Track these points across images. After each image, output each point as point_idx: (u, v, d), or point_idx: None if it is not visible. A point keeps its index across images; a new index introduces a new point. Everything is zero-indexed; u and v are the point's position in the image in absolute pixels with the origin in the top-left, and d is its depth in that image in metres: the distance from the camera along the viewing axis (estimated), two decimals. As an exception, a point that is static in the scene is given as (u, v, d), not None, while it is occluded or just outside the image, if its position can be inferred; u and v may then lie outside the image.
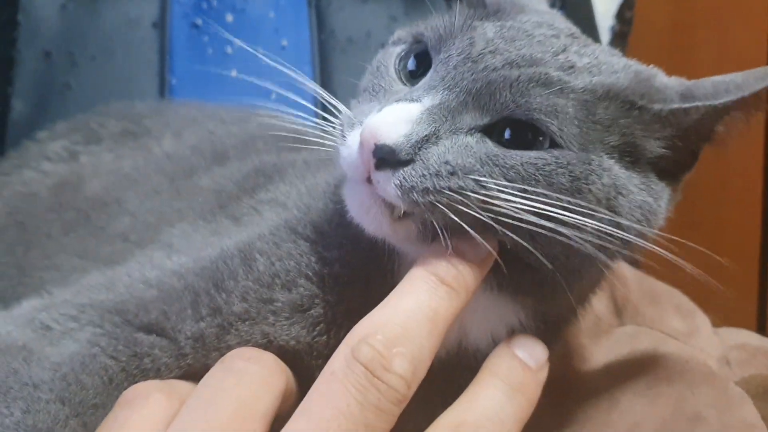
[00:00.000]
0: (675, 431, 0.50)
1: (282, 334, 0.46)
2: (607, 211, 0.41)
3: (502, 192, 0.39)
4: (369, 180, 0.41)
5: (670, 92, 0.43)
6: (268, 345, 0.45)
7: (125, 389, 0.43)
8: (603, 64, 0.43)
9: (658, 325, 0.61)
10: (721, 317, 0.62)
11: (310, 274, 0.47)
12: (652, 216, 0.43)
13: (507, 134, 0.41)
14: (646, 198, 0.43)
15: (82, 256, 0.59)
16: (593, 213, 0.41)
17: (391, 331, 0.38)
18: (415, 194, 0.39)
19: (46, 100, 0.78)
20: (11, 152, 0.73)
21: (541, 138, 0.41)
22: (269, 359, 0.43)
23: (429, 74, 0.44)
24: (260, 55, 0.48)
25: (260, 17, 0.83)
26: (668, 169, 0.44)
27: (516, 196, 0.39)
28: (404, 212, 0.41)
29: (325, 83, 0.82)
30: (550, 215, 0.39)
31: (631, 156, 0.42)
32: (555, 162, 0.40)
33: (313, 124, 0.46)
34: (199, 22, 0.81)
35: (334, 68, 0.83)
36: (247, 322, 0.46)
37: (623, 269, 0.63)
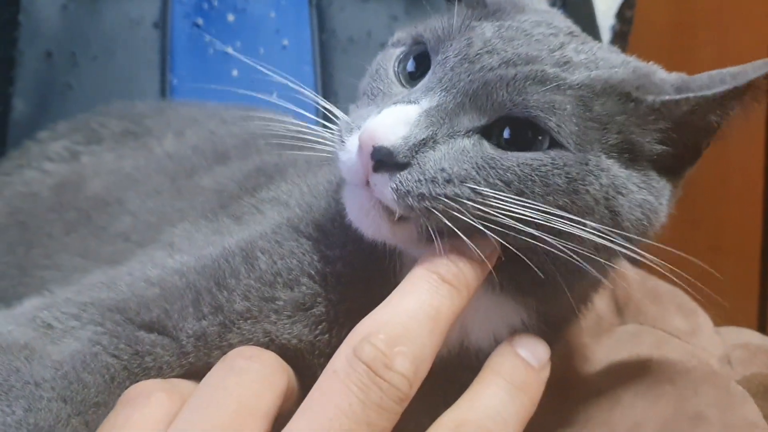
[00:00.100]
0: (676, 431, 0.50)
1: (284, 332, 0.46)
2: (606, 211, 0.41)
3: (498, 200, 0.39)
4: (368, 183, 0.41)
5: (666, 85, 0.43)
6: (269, 343, 0.45)
7: (127, 388, 0.43)
8: (600, 60, 0.43)
9: (659, 324, 0.61)
10: (722, 316, 0.62)
11: (313, 272, 0.47)
12: (653, 214, 0.43)
13: (506, 134, 0.41)
14: (647, 196, 0.43)
15: (84, 256, 0.59)
16: (592, 213, 0.41)
17: (393, 330, 0.38)
18: (410, 199, 0.40)
19: (48, 99, 0.78)
20: (12, 152, 0.74)
21: (540, 137, 0.41)
22: (271, 358, 0.43)
23: (427, 76, 0.44)
24: (260, 68, 0.47)
25: (261, 17, 0.83)
26: (669, 165, 0.44)
27: (512, 203, 0.39)
28: (402, 216, 0.41)
29: (326, 83, 0.82)
30: (545, 222, 0.39)
31: (630, 153, 0.42)
32: (551, 163, 0.40)
33: (314, 125, 0.46)
34: (200, 21, 0.81)
35: (334, 68, 0.83)
36: (249, 321, 0.46)
37: (625, 268, 0.63)
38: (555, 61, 0.42)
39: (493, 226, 0.39)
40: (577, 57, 0.43)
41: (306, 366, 0.45)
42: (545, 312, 0.46)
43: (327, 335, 0.46)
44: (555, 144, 0.41)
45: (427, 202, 0.40)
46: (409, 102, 0.42)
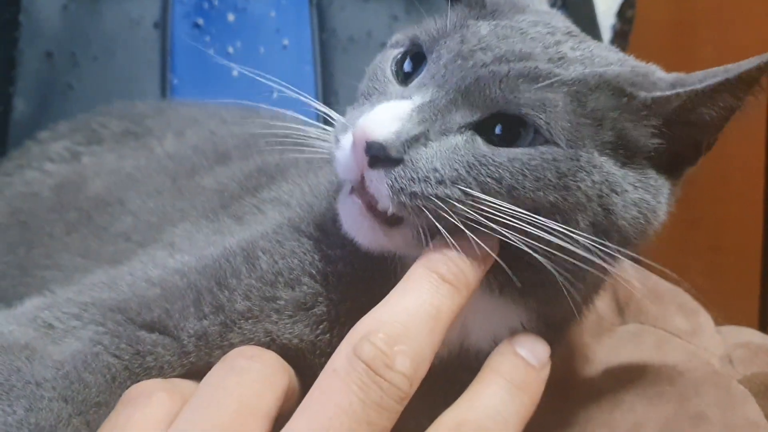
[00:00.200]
0: (677, 431, 0.50)
1: (285, 332, 0.46)
2: (599, 209, 0.41)
3: (487, 203, 0.39)
4: (362, 179, 0.41)
5: (661, 83, 0.43)
6: (271, 343, 0.45)
7: (128, 388, 0.43)
8: (596, 57, 0.43)
9: (661, 323, 0.61)
10: (724, 315, 0.62)
11: (314, 272, 0.47)
12: (650, 213, 0.43)
13: (498, 130, 0.41)
14: (643, 195, 0.43)
15: (85, 256, 0.59)
16: (584, 211, 0.41)
17: (393, 329, 0.38)
18: (404, 196, 0.40)
19: (48, 100, 0.78)
20: (13, 152, 0.74)
21: (532, 134, 0.41)
22: (271, 357, 0.43)
23: (421, 73, 0.44)
24: (261, 79, 0.48)
25: (262, 17, 0.83)
26: (668, 164, 0.44)
27: (500, 205, 0.39)
28: (395, 217, 0.41)
29: (327, 83, 0.82)
30: (534, 230, 0.39)
31: (625, 151, 0.42)
32: (541, 157, 0.40)
33: (314, 126, 0.46)
34: (201, 21, 0.81)
35: (335, 68, 0.83)
36: (250, 321, 0.46)
37: (626, 267, 0.63)
38: (549, 57, 0.42)
39: (477, 228, 0.39)
40: (573, 53, 0.43)
41: (307, 366, 0.45)
42: (545, 314, 0.46)
43: (328, 335, 0.46)
44: (546, 140, 0.41)
45: (419, 201, 0.40)
46: (402, 98, 0.42)
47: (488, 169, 0.40)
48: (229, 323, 0.45)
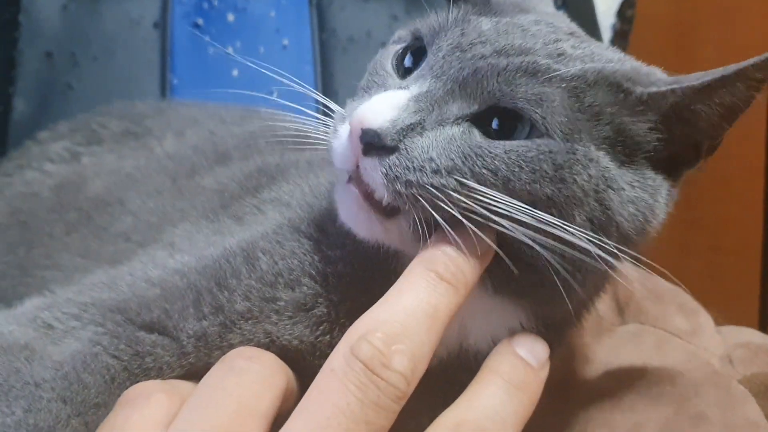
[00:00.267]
0: (678, 431, 0.50)
1: (285, 333, 0.45)
2: (596, 204, 0.41)
3: (482, 194, 0.39)
4: (358, 168, 0.41)
5: (659, 81, 0.43)
6: (270, 344, 0.45)
7: (127, 388, 0.43)
8: (596, 55, 0.44)
9: (661, 323, 0.61)
10: (724, 315, 0.62)
11: (314, 272, 0.47)
12: (648, 212, 0.43)
13: (495, 124, 0.41)
14: (641, 194, 0.43)
15: (85, 256, 0.59)
16: (580, 205, 0.40)
17: (390, 328, 0.38)
18: (399, 185, 0.40)
19: (48, 100, 0.78)
20: (13, 152, 0.74)
21: (528, 127, 0.41)
22: (270, 358, 0.43)
23: (421, 65, 0.44)
24: (261, 68, 0.48)
25: (261, 17, 0.83)
26: (666, 164, 0.44)
27: (496, 196, 0.39)
28: (391, 207, 0.41)
29: (327, 82, 0.82)
30: (531, 219, 0.39)
31: (623, 148, 0.42)
32: (537, 149, 0.40)
33: (314, 123, 0.46)
34: (201, 21, 0.81)
35: (335, 68, 0.83)
36: (249, 321, 0.46)
37: (626, 267, 0.63)
38: (548, 53, 0.42)
39: (476, 218, 0.39)
40: (573, 51, 0.43)
41: (307, 366, 0.45)
42: (544, 315, 0.46)
43: (328, 336, 0.46)
44: (542, 135, 0.41)
45: (414, 189, 0.40)
46: (400, 88, 0.42)
47: (484, 160, 0.40)
48: (229, 324, 0.45)
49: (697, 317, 0.61)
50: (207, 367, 0.43)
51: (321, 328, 0.46)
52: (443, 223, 0.40)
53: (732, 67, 0.41)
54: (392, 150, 0.40)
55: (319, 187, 0.52)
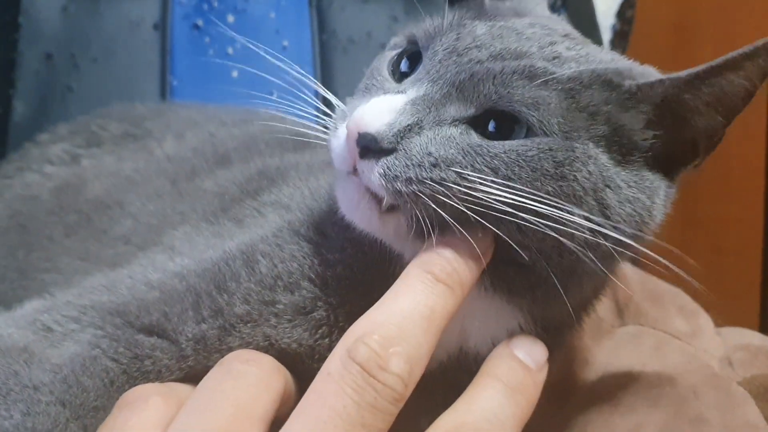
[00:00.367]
0: (677, 433, 0.50)
1: (284, 336, 0.45)
2: (594, 203, 0.41)
3: (484, 184, 0.39)
4: (356, 170, 0.41)
5: (650, 76, 0.43)
6: (269, 347, 0.45)
7: (126, 391, 0.43)
8: (591, 56, 0.44)
9: (660, 325, 0.61)
10: (724, 317, 0.62)
11: (313, 276, 0.46)
12: (645, 212, 0.43)
13: (491, 126, 0.41)
14: (638, 194, 0.43)
15: (84, 259, 0.59)
16: (580, 204, 0.40)
17: (387, 330, 0.38)
18: (398, 183, 0.40)
19: (48, 102, 0.78)
20: (12, 154, 0.74)
21: (525, 131, 0.41)
22: (268, 361, 0.43)
23: (417, 70, 0.44)
24: (262, 52, 0.48)
25: (261, 18, 0.83)
26: (663, 163, 0.44)
27: (498, 187, 0.39)
28: (391, 205, 0.41)
29: (327, 83, 0.82)
30: (532, 207, 0.39)
31: (620, 147, 0.42)
32: (537, 148, 0.40)
33: (314, 124, 0.46)
34: (200, 23, 0.81)
35: (335, 68, 0.83)
36: (248, 324, 0.46)
37: (625, 268, 0.63)
38: (544, 56, 0.42)
39: (481, 210, 0.39)
40: (568, 53, 0.43)
41: (305, 370, 0.45)
42: (542, 316, 0.46)
43: (327, 339, 0.46)
44: (540, 135, 0.41)
45: (414, 186, 0.40)
46: (397, 92, 0.43)
47: (484, 158, 0.40)
48: (228, 327, 0.45)
49: (697, 319, 0.61)
50: (206, 370, 0.43)
51: (320, 331, 0.46)
52: (448, 218, 0.40)
53: (720, 58, 0.41)
54: (390, 152, 0.40)
55: (319, 190, 0.52)
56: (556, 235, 0.40)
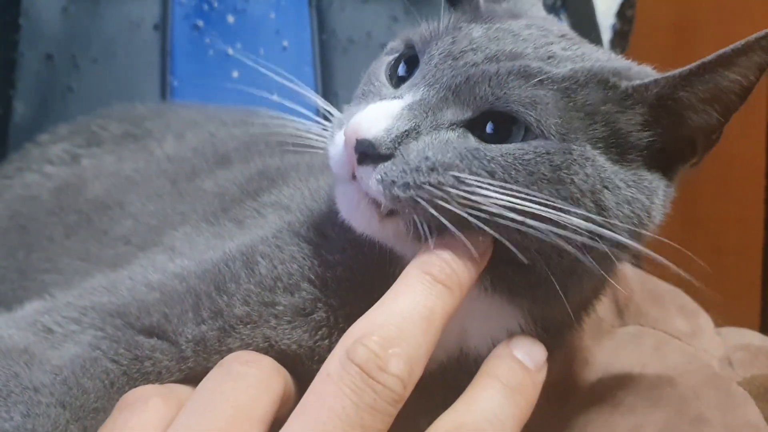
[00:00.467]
0: (677, 433, 0.50)
1: (284, 337, 0.45)
2: (592, 205, 0.41)
3: (482, 188, 0.39)
4: (354, 177, 0.41)
5: (646, 76, 0.43)
6: (269, 349, 0.45)
7: (126, 393, 0.43)
8: (587, 55, 0.44)
9: (661, 325, 0.61)
10: (724, 317, 0.62)
11: (313, 277, 0.46)
12: (643, 212, 0.43)
13: (489, 128, 0.41)
14: (636, 194, 0.42)
15: (84, 259, 0.59)
16: (578, 207, 0.40)
17: (386, 331, 0.38)
18: (396, 189, 0.40)
19: (48, 102, 0.78)
20: (13, 155, 0.74)
21: (523, 130, 0.41)
22: (267, 363, 0.43)
23: (414, 75, 0.44)
24: (260, 67, 0.48)
25: (261, 18, 0.83)
26: (662, 163, 0.44)
27: (496, 190, 0.39)
28: (391, 209, 0.41)
29: (327, 83, 0.82)
30: (531, 210, 0.39)
31: (617, 148, 0.42)
32: (534, 151, 0.40)
33: (313, 127, 0.46)
34: (200, 23, 0.81)
35: (335, 69, 0.83)
36: (248, 326, 0.45)
37: (625, 269, 0.63)
38: (539, 56, 0.42)
39: (479, 214, 0.39)
40: (563, 53, 0.43)
41: (305, 371, 0.45)
42: (542, 317, 0.46)
43: (327, 341, 0.46)
44: (537, 137, 0.41)
45: (412, 191, 0.40)
46: (394, 98, 0.43)
47: (481, 162, 0.40)
48: (228, 328, 0.45)
49: (697, 319, 0.61)
50: (206, 372, 0.43)
51: (320, 332, 0.46)
52: (446, 221, 0.40)
53: (713, 54, 0.41)
54: (387, 158, 0.41)
55: (320, 191, 0.52)
56: (554, 237, 0.40)
